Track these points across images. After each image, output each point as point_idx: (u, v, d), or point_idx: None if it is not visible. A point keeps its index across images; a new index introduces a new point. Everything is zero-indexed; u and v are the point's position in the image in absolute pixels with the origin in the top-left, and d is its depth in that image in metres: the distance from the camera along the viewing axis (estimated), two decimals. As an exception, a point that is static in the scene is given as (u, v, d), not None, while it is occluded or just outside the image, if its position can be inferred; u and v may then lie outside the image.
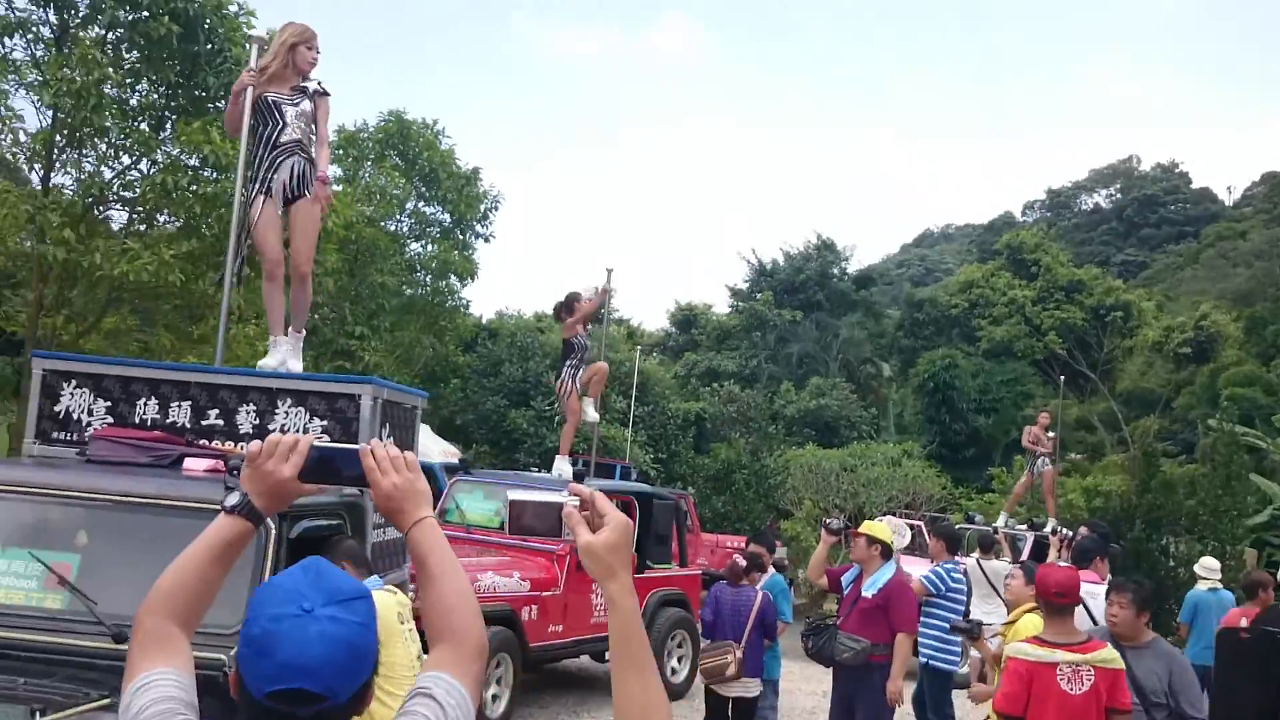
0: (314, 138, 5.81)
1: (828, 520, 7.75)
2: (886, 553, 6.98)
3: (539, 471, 13.57)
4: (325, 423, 5.10)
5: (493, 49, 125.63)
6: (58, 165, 13.98)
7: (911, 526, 13.65)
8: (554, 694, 10.13)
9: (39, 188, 13.55)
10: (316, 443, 1.95)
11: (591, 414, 8.38)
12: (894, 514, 20.88)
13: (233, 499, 1.91)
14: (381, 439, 5.44)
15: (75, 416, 4.99)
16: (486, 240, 23.99)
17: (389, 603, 4.34)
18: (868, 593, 6.82)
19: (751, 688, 7.28)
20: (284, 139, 5.70)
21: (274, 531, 3.93)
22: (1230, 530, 15.92)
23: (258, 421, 5.09)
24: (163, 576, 1.88)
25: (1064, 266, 43.68)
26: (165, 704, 1.69)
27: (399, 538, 5.90)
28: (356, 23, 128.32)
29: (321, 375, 5.61)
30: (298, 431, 5.15)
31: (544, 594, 9.08)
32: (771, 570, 8.38)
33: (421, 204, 23.38)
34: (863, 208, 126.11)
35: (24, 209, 12.01)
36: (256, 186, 5.67)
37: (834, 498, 24.20)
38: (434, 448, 17.86)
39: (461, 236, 23.54)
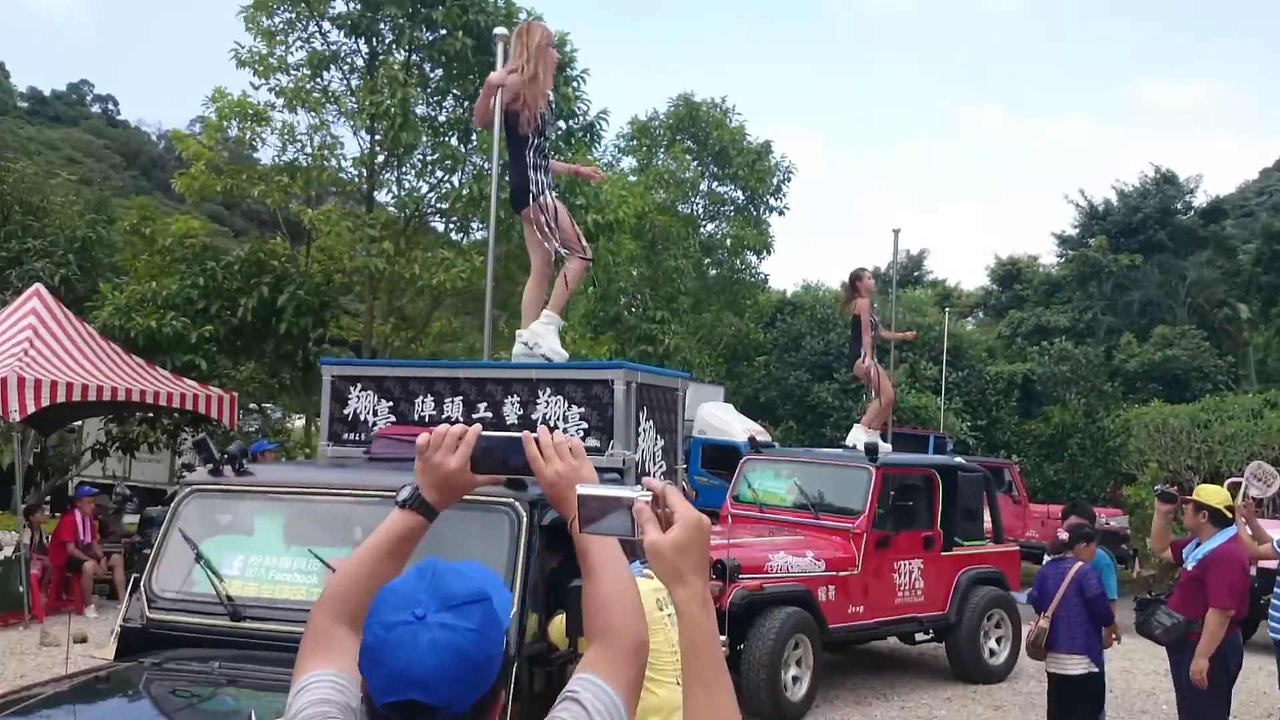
0: None
1: (1158, 488, 7.01)
2: (1217, 518, 6.20)
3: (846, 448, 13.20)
4: (583, 409, 5.15)
5: (781, 14, 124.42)
6: (379, 184, 15.35)
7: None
8: (862, 676, 9.80)
9: (363, 206, 14.90)
10: (485, 432, 1.89)
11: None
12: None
13: (404, 492, 1.88)
14: (639, 422, 5.42)
15: (362, 418, 5.35)
16: (781, 213, 23.81)
17: (648, 589, 4.26)
18: (1189, 564, 6.15)
19: (1069, 665, 6.64)
20: (548, 149, 5.91)
21: (525, 519, 3.96)
22: None
23: (522, 412, 5.21)
24: (335, 575, 1.88)
25: None
26: (320, 706, 1.67)
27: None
28: (643, 8, 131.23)
29: (576, 364, 5.68)
30: (559, 421, 5.23)
31: (841, 573, 8.77)
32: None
33: (714, 184, 23.55)
34: (1208, 136, 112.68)
35: (345, 225, 13.21)
36: (549, 190, 5.82)
37: (1184, 458, 21.87)
38: (737, 425, 17.97)
39: (755, 212, 23.48)
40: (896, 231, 12.19)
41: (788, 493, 9.81)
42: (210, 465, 4.35)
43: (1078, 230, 40.93)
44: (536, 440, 1.80)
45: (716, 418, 18.81)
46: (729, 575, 7.95)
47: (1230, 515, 6.23)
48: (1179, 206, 40.01)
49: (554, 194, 5.85)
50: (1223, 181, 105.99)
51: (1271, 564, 6.97)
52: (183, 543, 4.20)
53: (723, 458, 16.82)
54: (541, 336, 5.78)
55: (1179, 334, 32.37)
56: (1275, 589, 6.93)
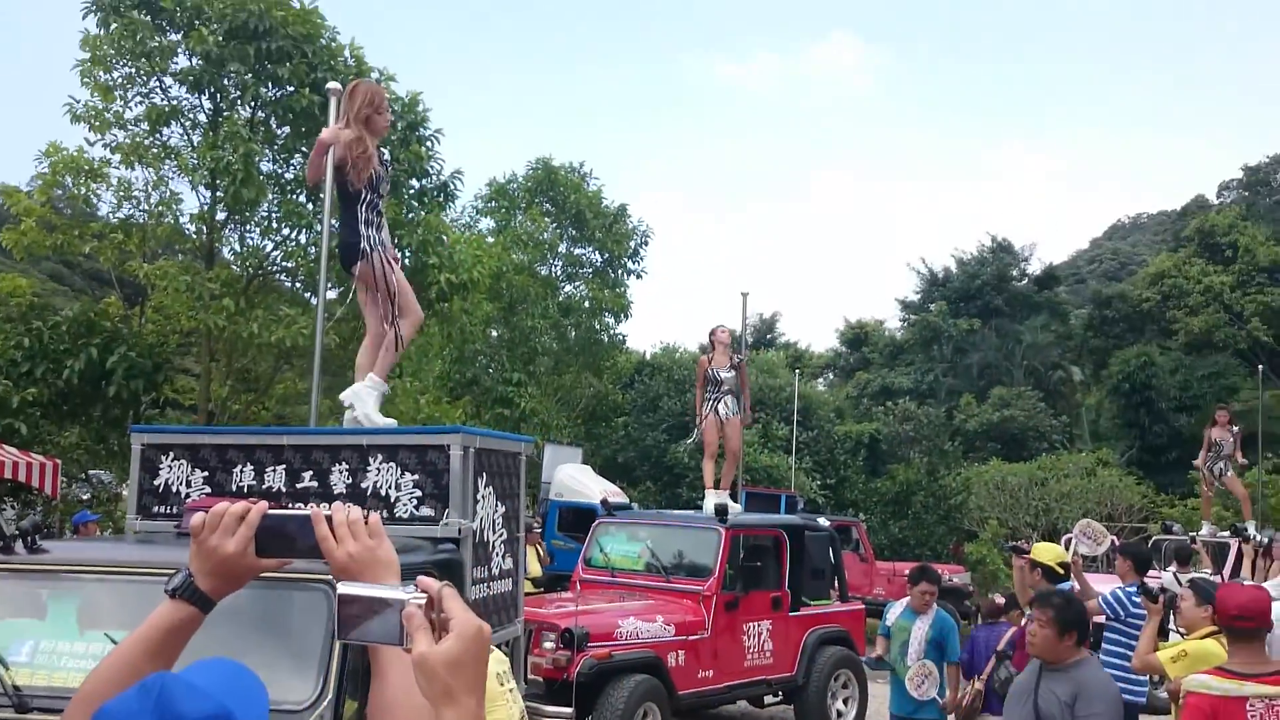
0: None
1: (1009, 544, 7.23)
2: (1050, 575, 6.37)
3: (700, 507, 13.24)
4: (416, 476, 4.97)
5: (641, 82, 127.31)
6: (221, 241, 14.79)
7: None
8: (714, 741, 9.74)
9: (204, 264, 14.32)
10: (271, 510, 1.71)
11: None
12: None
13: (175, 579, 1.68)
14: (478, 489, 5.28)
15: (174, 489, 5.03)
16: (639, 276, 24.08)
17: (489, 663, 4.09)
18: (1025, 621, 6.30)
19: None
20: (382, 207, 5.77)
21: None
22: None
23: (350, 480, 5.00)
24: (90, 676, 1.66)
25: (1264, 246, 40.19)
26: None
27: (507, 592, 5.71)
28: (500, 72, 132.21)
29: (409, 429, 5.49)
30: (392, 489, 5.04)
31: (691, 637, 8.73)
32: (934, 607, 7.68)
33: (572, 246, 23.69)
34: (1043, 206, 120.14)
35: (183, 280, 12.67)
36: (383, 246, 5.65)
37: (1023, 515, 22.87)
38: (595, 487, 17.87)
39: (613, 274, 23.68)
40: (745, 295, 12.47)
41: (640, 556, 9.75)
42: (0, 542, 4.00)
43: (920, 296, 42.77)
44: (328, 518, 1.67)
45: (574, 479, 18.67)
46: (577, 644, 7.80)
47: (1064, 572, 6.42)
48: (1014, 274, 42.29)
49: (387, 252, 5.69)
50: (1056, 250, 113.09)
51: (1100, 618, 7.23)
52: (-36, 628, 3.84)
53: (580, 520, 16.65)
54: (360, 399, 5.58)
55: (1016, 395, 34.03)
56: (1103, 644, 7.16)
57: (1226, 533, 14.40)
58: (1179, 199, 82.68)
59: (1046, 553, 6.55)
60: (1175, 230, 59.22)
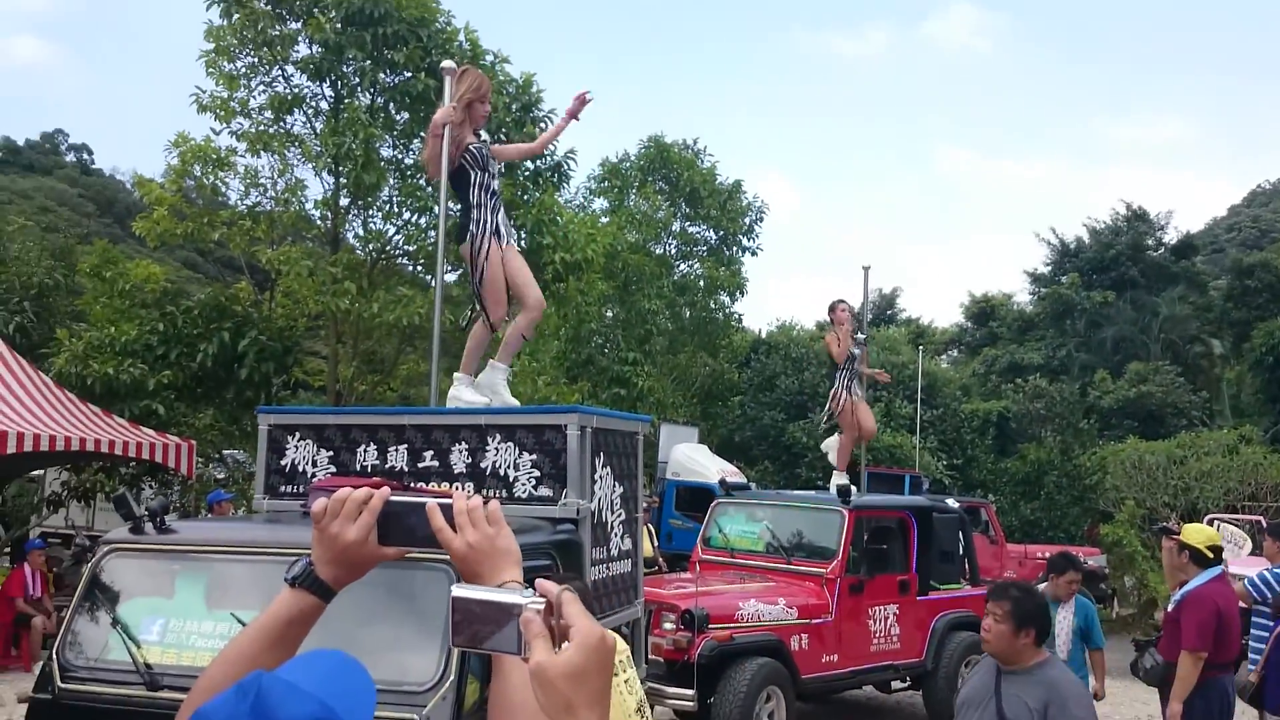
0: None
1: (1160, 525, 6.85)
2: (1198, 558, 5.98)
3: (821, 487, 12.98)
4: (534, 456, 4.90)
5: (752, 59, 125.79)
6: (345, 225, 15.13)
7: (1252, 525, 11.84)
8: (839, 726, 9.52)
9: (329, 249, 14.66)
10: (393, 497, 1.62)
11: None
12: (1227, 517, 18.49)
13: (295, 568, 1.60)
14: (595, 469, 5.18)
15: (300, 468, 5.08)
16: (754, 254, 23.76)
17: None
18: (1171, 605, 5.94)
19: None
20: (496, 188, 5.73)
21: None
22: None
23: (470, 460, 4.97)
24: (210, 666, 1.59)
25: None
26: None
27: (626, 573, 5.61)
28: (612, 51, 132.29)
29: (528, 408, 5.43)
30: (511, 468, 4.98)
31: (814, 621, 8.50)
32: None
33: (686, 224, 23.50)
34: (1179, 173, 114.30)
35: (306, 264, 12.97)
36: (487, 231, 5.62)
37: (1161, 495, 21.79)
38: (712, 467, 17.73)
39: (728, 252, 23.42)
40: (866, 269, 12.05)
41: (760, 536, 9.56)
42: (130, 522, 4.07)
43: (1050, 268, 41.19)
44: (447, 507, 1.56)
45: (691, 459, 18.57)
46: (698, 625, 7.68)
47: (1213, 555, 6.04)
48: (1150, 243, 40.36)
49: (496, 239, 5.62)
50: (1193, 218, 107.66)
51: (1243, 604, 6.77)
52: (98, 606, 3.93)
53: (697, 500, 16.54)
54: (493, 388, 5.62)
55: (1153, 370, 32.48)
56: (1251, 630, 6.74)
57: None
58: (1330, 160, 77.48)
59: (1196, 535, 6.16)
60: (1327, 193, 55.59)
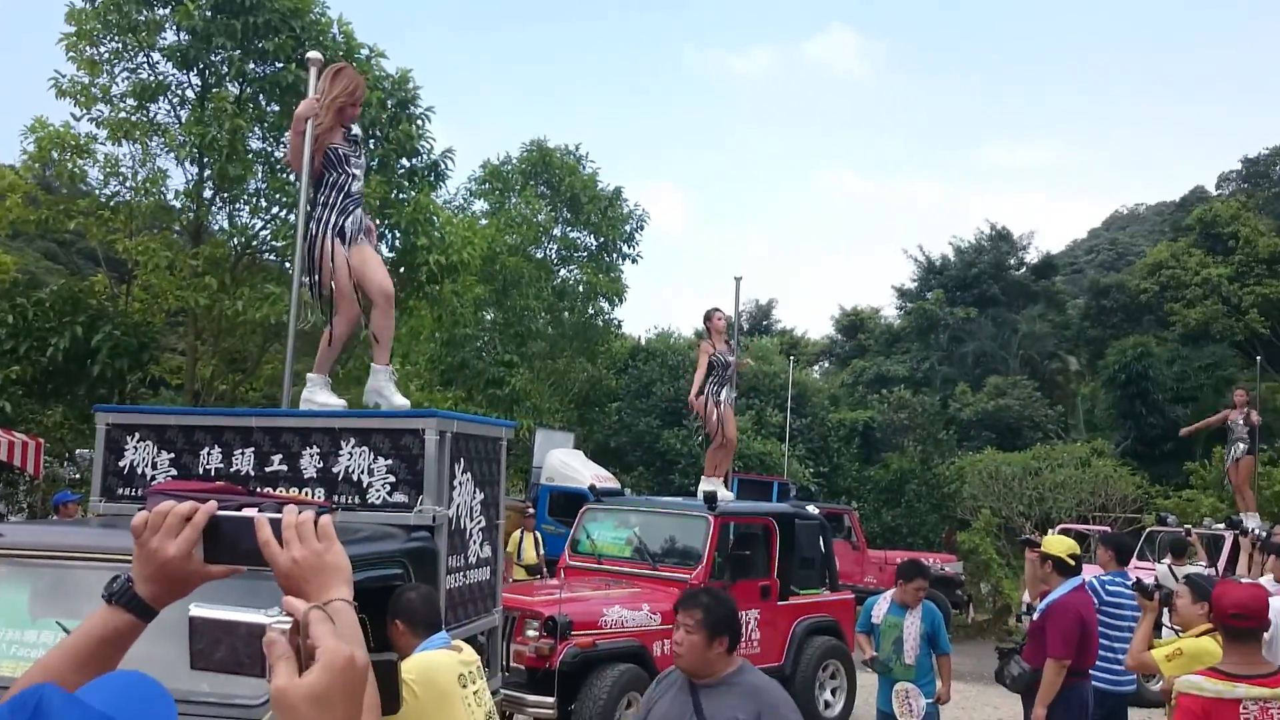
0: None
1: (1025, 538, 7.14)
2: (1061, 567, 6.23)
3: (695, 493, 13.11)
4: (390, 461, 4.83)
5: (640, 71, 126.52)
6: (209, 217, 14.60)
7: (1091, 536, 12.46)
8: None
9: (189, 241, 14.13)
10: (221, 511, 1.54)
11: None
12: (1078, 528, 19.40)
13: (113, 584, 1.52)
14: (455, 475, 5.13)
15: (140, 471, 4.88)
16: (634, 261, 23.87)
17: (447, 664, 3.92)
18: (1036, 615, 6.20)
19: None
20: (354, 189, 5.61)
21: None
22: None
23: (321, 465, 4.86)
24: (16, 684, 1.50)
25: (1265, 237, 40.02)
26: None
27: (484, 581, 5.56)
28: (495, 55, 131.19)
29: (384, 411, 5.33)
30: (364, 474, 4.89)
31: (677, 626, 8.58)
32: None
33: (567, 229, 23.49)
34: (1041, 197, 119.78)
35: (164, 255, 12.49)
36: (329, 231, 5.49)
37: (1017, 504, 22.79)
38: (586, 472, 17.73)
39: (608, 259, 23.49)
40: (738, 279, 12.25)
41: (627, 542, 9.61)
42: (-51, 526, 3.84)
43: (916, 284, 42.61)
44: (275, 521, 1.50)
45: (565, 464, 18.52)
46: (560, 632, 7.67)
47: (1075, 564, 6.28)
48: (1012, 263, 42.13)
49: (339, 238, 5.51)
50: (1053, 240, 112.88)
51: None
52: (-90, 615, 3.69)
53: (571, 505, 16.49)
54: (378, 391, 5.53)
55: (1011, 384, 33.92)
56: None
57: (1220, 525, 14.26)
58: (1177, 190, 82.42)
59: (1058, 545, 6.41)
60: (1174, 221, 59.01)
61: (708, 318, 10.75)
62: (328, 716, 1.16)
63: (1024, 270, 42.56)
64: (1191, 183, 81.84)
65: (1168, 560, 11.12)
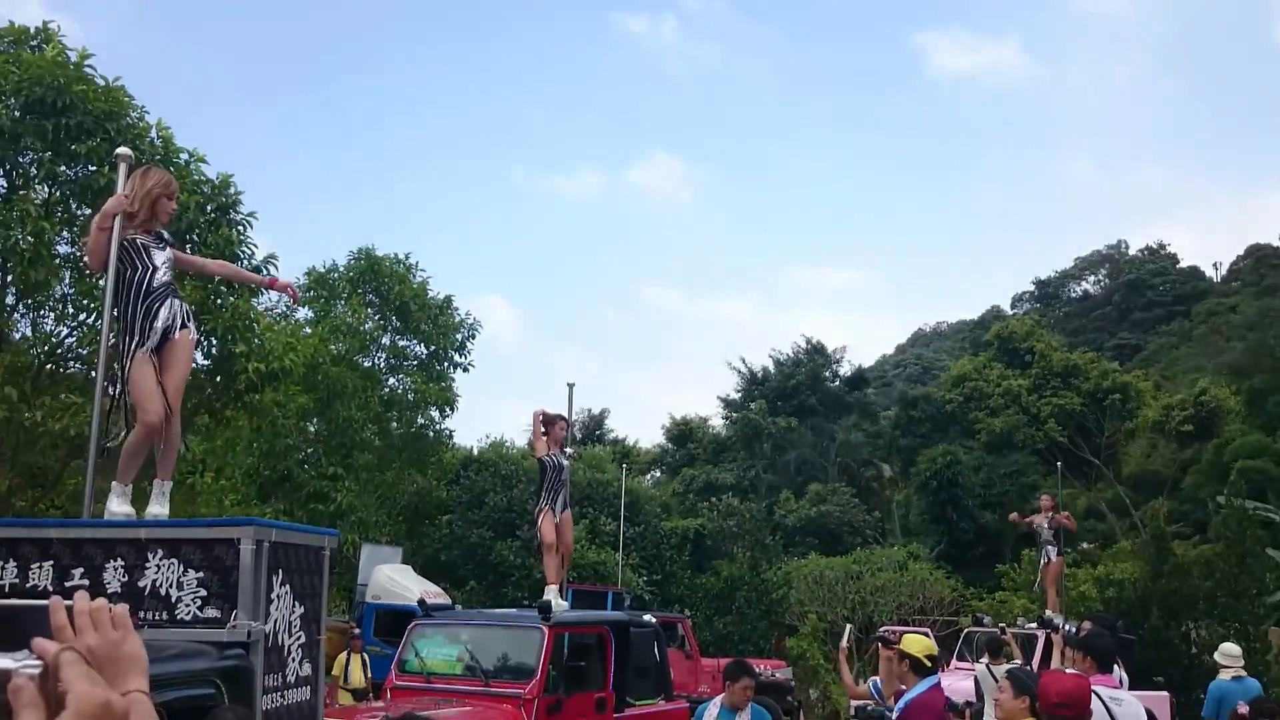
0: (180, 262, 5.54)
1: (880, 635, 7.24)
2: (918, 667, 6.32)
3: (527, 605, 12.87)
4: (201, 574, 4.57)
5: (470, 188, 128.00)
6: (11, 324, 13.73)
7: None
8: None
9: (-15, 349, 13.22)
10: (3, 601, 1.44)
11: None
12: (901, 630, 19.95)
13: None
14: (273, 588, 4.90)
15: (-78, 589, 4.46)
16: (465, 370, 23.70)
17: None
18: (895, 714, 6.24)
19: None
20: (156, 283, 5.34)
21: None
22: (1251, 610, 15.12)
23: (126, 578, 4.56)
24: None
25: (1058, 352, 43.39)
26: None
27: (305, 700, 5.29)
28: (323, 167, 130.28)
29: (196, 520, 5.08)
30: (174, 588, 4.61)
31: (509, 744, 8.33)
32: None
33: (397, 338, 23.18)
34: (851, 315, 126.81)
35: (-45, 368, 11.65)
36: (135, 340, 5.24)
37: (840, 608, 23.32)
38: (415, 588, 17.17)
39: (439, 367, 23.24)
40: (571, 385, 12.41)
41: (458, 658, 9.30)
42: None
43: (740, 394, 43.94)
44: (68, 608, 1.43)
45: (393, 580, 17.90)
46: (385, 755, 7.32)
47: (931, 665, 6.39)
48: (827, 375, 44.06)
49: (146, 345, 5.23)
50: (865, 354, 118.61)
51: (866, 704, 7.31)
52: None
53: (398, 624, 15.86)
54: (113, 507, 5.24)
55: (831, 491, 35.10)
56: None
57: (1033, 624, 15.01)
58: (976, 309, 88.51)
59: (915, 644, 6.47)
60: (974, 337, 63.37)
61: (552, 423, 10.74)
62: None
63: (838, 383, 44.56)
64: (989, 302, 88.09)
65: (985, 660, 11.55)
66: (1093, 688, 5.16)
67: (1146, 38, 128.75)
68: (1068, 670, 7.93)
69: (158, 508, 5.32)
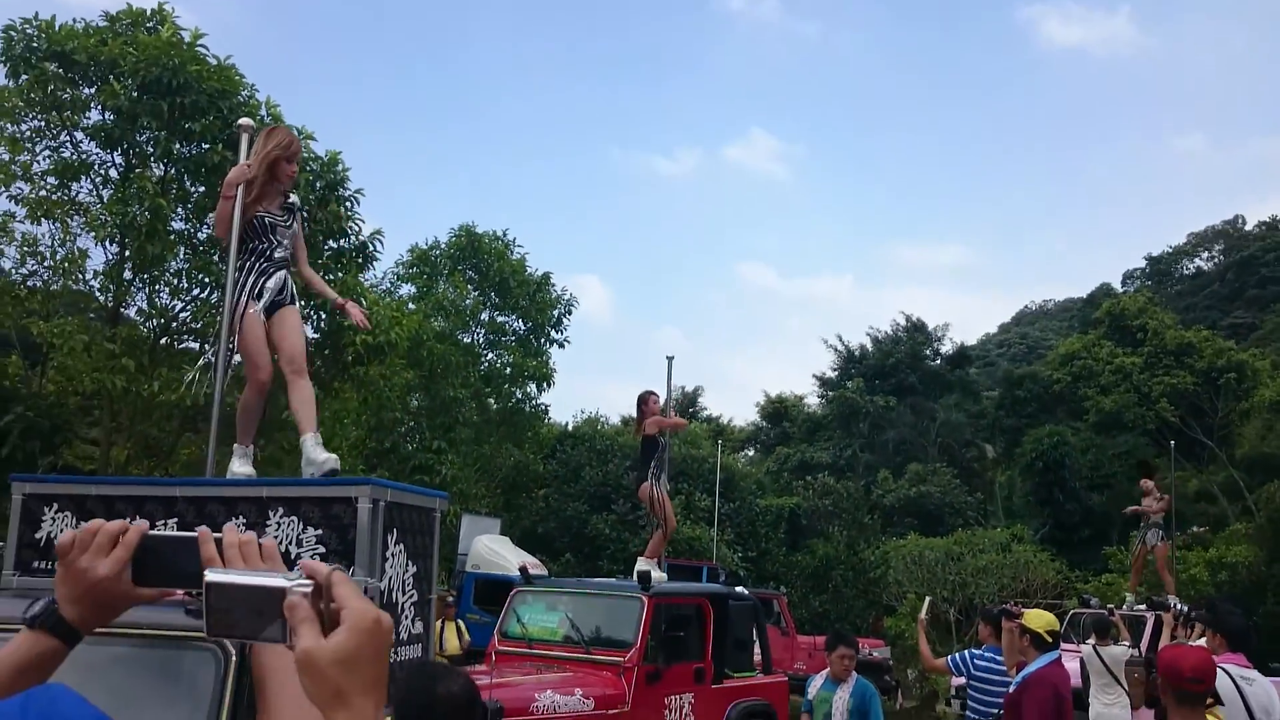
0: (298, 255, 5.61)
1: (1003, 608, 7.19)
2: (1038, 642, 6.21)
3: (622, 578, 12.93)
4: (320, 531, 4.67)
5: (569, 168, 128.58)
6: (128, 299, 14.28)
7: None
8: (633, 820, 9.32)
9: (107, 321, 13.80)
10: (152, 531, 1.48)
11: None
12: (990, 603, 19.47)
13: (35, 606, 1.43)
14: (387, 546, 4.99)
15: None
16: (561, 345, 23.91)
17: None
18: (1012, 687, 6.17)
19: None
20: (277, 255, 5.44)
21: (234, 657, 3.44)
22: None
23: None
24: None
25: (1172, 330, 41.71)
26: None
27: (416, 658, 5.38)
28: (428, 148, 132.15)
29: (314, 480, 5.18)
30: (294, 544, 4.73)
31: (611, 711, 8.36)
32: (854, 675, 7.45)
33: (495, 314, 23.48)
34: (953, 294, 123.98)
35: (80, 339, 12.16)
36: (246, 294, 5.35)
37: (940, 589, 22.92)
38: (513, 559, 17.42)
39: (536, 343, 23.49)
40: (670, 359, 12.32)
41: (559, 626, 9.39)
42: None
43: (837, 373, 43.40)
44: (218, 541, 1.45)
45: (492, 551, 18.19)
46: (491, 718, 7.42)
47: (1052, 640, 6.28)
48: (928, 353, 43.22)
49: (254, 300, 5.32)
50: (967, 333, 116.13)
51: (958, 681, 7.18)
52: None
53: (497, 593, 16.12)
54: (233, 468, 5.38)
55: (931, 471, 34.46)
56: (968, 702, 7.15)
57: (1142, 606, 14.55)
58: (1083, 288, 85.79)
59: (1037, 620, 6.37)
60: (1083, 316, 61.36)
61: (643, 400, 10.70)
62: (356, 678, 1.12)
63: (939, 361, 43.67)
64: (1097, 280, 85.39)
65: (1092, 641, 11.24)
66: (1222, 665, 4.97)
67: (1260, 2, 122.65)
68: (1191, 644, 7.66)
69: (242, 466, 5.44)
